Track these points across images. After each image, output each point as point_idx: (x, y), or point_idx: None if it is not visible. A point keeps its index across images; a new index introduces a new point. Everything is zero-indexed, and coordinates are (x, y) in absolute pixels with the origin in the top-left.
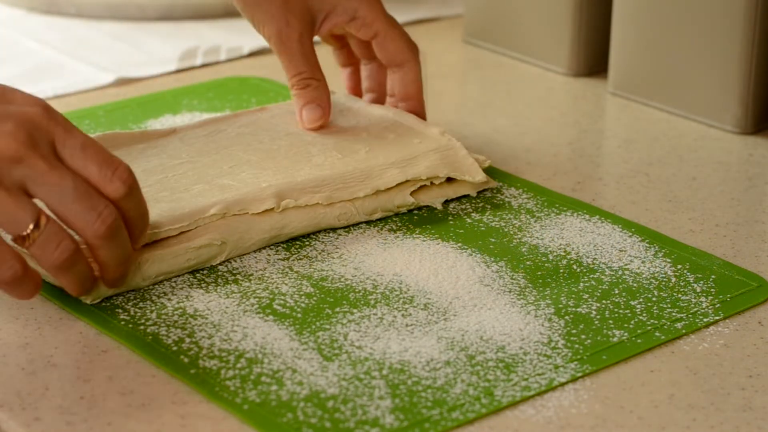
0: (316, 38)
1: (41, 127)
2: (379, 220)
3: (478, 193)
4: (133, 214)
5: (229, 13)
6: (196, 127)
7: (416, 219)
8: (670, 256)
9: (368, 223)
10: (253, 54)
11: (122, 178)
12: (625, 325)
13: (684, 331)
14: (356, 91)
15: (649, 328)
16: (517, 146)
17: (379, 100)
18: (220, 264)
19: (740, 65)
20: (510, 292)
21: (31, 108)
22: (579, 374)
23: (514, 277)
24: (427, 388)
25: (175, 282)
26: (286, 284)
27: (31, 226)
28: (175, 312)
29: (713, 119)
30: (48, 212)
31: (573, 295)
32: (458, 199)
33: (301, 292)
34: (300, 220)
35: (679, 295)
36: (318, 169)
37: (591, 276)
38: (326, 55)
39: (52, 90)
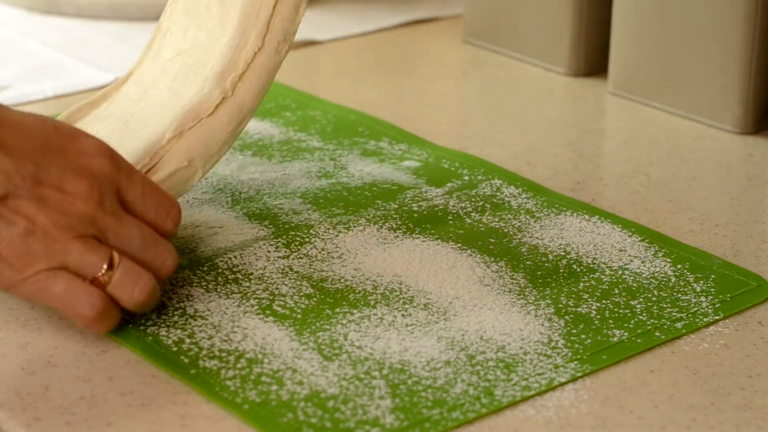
0: None
1: (109, 182)
2: (379, 219)
3: (478, 192)
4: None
5: None
6: (143, 57)
7: (416, 218)
8: (670, 256)
9: (368, 221)
10: None
11: (175, 220)
12: (625, 325)
13: (684, 331)
14: None
15: (649, 328)
16: (517, 146)
17: None
18: (219, 260)
19: (740, 65)
20: (510, 292)
21: (100, 160)
22: (579, 374)
23: (514, 277)
24: (427, 387)
25: (174, 281)
26: (286, 285)
27: (104, 267)
28: (175, 312)
29: (713, 119)
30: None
31: (573, 295)
32: (458, 198)
33: (301, 293)
34: (252, 88)
35: (679, 295)
36: (228, 19)
37: (591, 276)
38: None
39: (52, 90)
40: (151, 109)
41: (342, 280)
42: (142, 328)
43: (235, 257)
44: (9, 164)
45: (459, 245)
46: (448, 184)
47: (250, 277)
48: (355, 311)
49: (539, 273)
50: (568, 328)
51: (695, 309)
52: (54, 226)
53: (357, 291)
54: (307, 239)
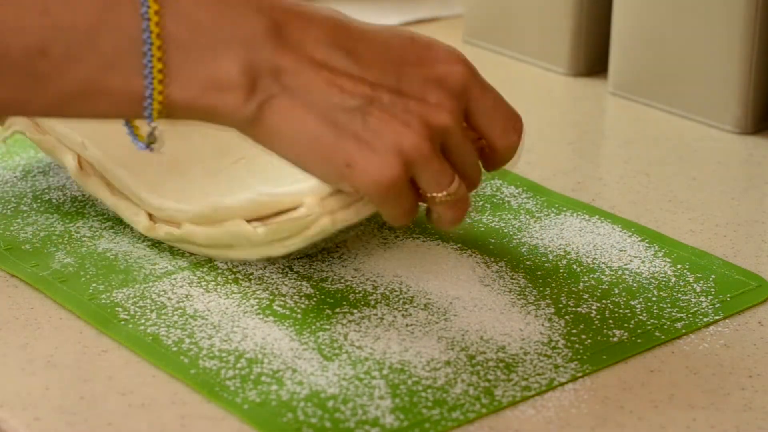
0: None
1: (466, 91)
2: (379, 218)
3: (478, 192)
4: None
5: None
6: None
7: (416, 218)
8: (670, 256)
9: (368, 221)
10: None
11: (518, 131)
12: (625, 325)
13: (684, 331)
14: None
15: (649, 328)
16: None
17: None
18: (220, 261)
19: (740, 65)
20: (510, 292)
21: (459, 67)
22: (579, 374)
23: (514, 277)
24: (427, 388)
25: (174, 280)
26: (286, 285)
27: (446, 189)
28: (175, 312)
29: (713, 119)
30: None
31: (573, 295)
32: None
33: (301, 293)
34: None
35: (679, 295)
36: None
37: (591, 276)
38: None
39: None
40: None
41: (342, 280)
42: (142, 328)
43: None
44: (372, 75)
45: (459, 245)
46: None
47: (250, 277)
48: (355, 311)
49: (539, 273)
50: (568, 328)
51: (695, 309)
52: (420, 138)
53: (357, 291)
54: None
